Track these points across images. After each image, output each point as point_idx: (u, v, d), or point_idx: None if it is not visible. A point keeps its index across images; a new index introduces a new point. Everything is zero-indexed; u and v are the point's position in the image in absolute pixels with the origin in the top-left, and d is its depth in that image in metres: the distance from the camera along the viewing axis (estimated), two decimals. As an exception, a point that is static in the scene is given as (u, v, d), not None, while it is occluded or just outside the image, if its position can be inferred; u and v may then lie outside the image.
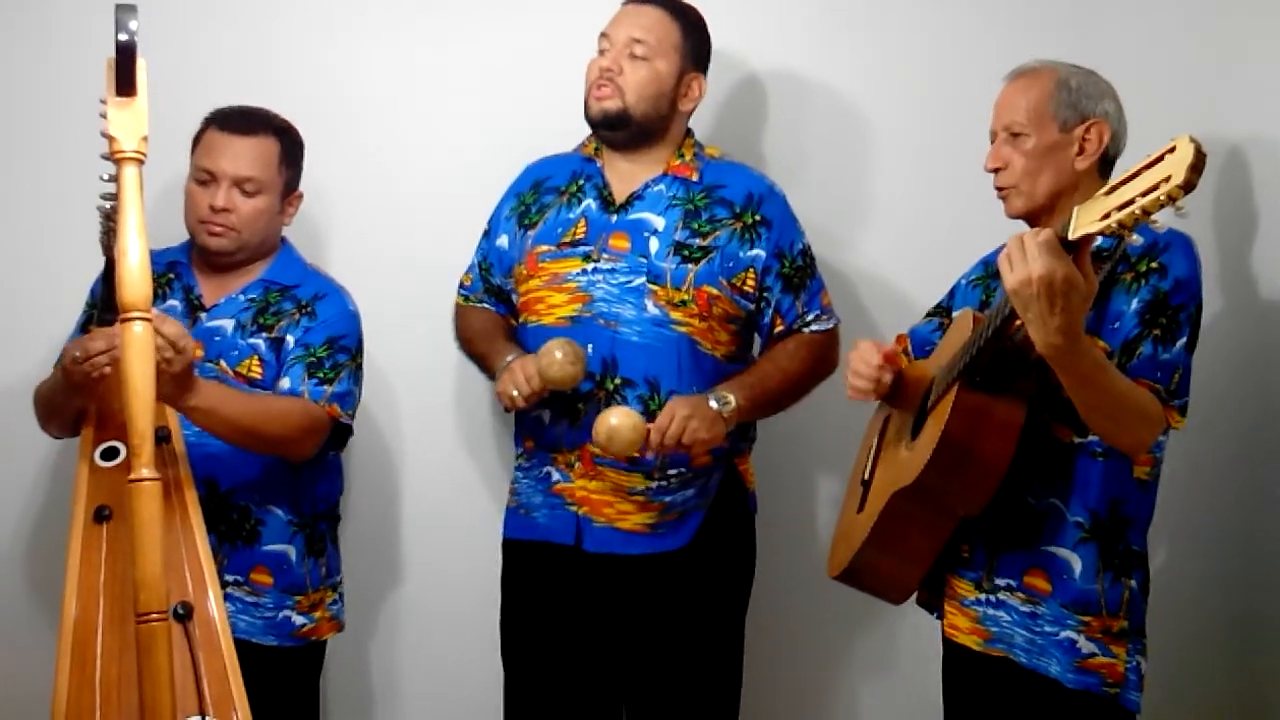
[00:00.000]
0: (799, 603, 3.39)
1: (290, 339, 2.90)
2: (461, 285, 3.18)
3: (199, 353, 2.76)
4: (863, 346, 2.64)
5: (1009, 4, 3.38)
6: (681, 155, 3.02)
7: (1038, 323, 2.10)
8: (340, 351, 2.91)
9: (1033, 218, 2.50)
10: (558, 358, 2.80)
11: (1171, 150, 1.89)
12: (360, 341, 2.97)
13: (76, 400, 2.73)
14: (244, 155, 2.87)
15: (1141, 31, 3.27)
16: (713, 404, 2.87)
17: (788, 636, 3.41)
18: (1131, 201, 1.92)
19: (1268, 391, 2.94)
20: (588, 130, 3.06)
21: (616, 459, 2.85)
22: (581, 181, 3.04)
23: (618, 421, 2.77)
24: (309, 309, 2.93)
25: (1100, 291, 2.30)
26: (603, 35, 2.99)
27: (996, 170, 2.52)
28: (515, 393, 2.85)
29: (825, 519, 3.39)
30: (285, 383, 2.86)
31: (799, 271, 3.02)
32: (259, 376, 2.87)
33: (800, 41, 3.41)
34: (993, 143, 2.55)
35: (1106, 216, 1.95)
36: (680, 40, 2.98)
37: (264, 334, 2.90)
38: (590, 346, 2.90)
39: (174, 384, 2.56)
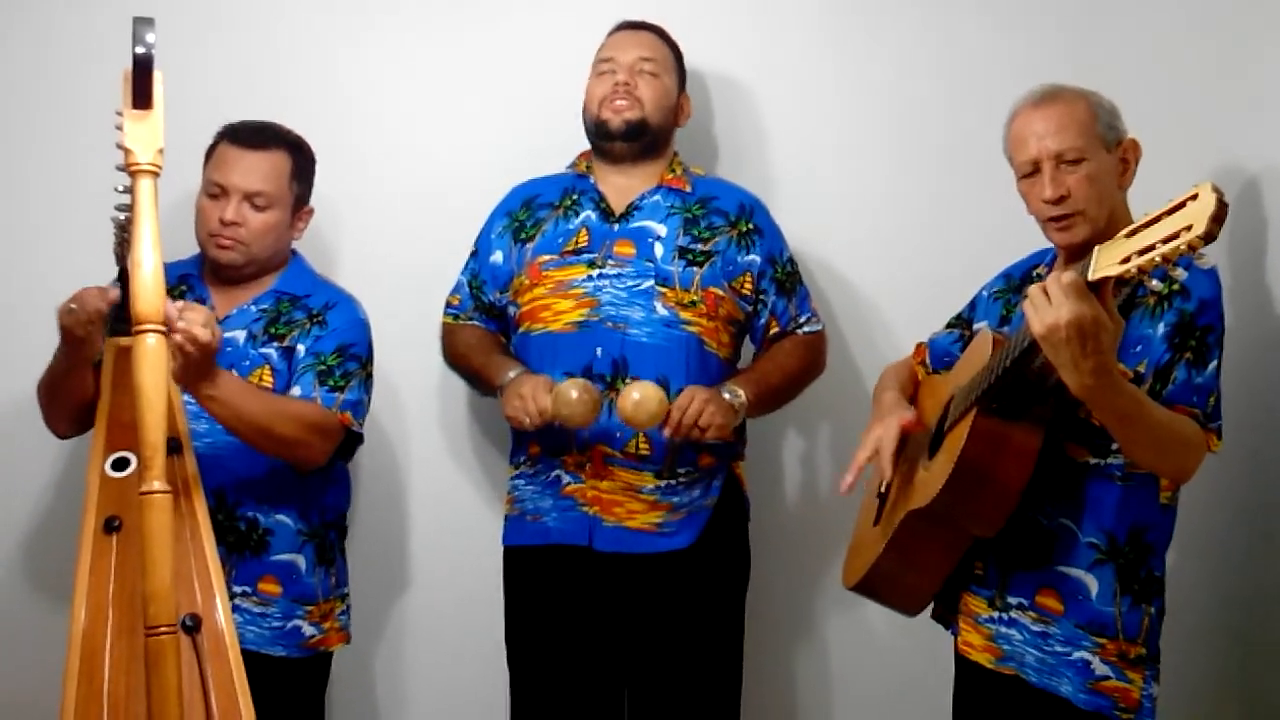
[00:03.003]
0: (784, 600, 3.45)
1: (301, 348, 2.89)
2: (449, 305, 3.21)
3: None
4: (878, 432, 2.62)
5: (1022, 29, 3.39)
6: (673, 170, 3.15)
7: (1070, 366, 2.09)
8: (351, 360, 2.90)
9: (1088, 246, 2.43)
10: (573, 398, 2.84)
11: (1194, 197, 1.88)
12: (370, 350, 2.96)
13: (76, 362, 2.72)
14: (255, 170, 2.86)
15: (1157, 56, 3.28)
16: (725, 396, 2.98)
17: (774, 633, 3.45)
18: (1152, 247, 1.91)
19: (1276, 411, 2.94)
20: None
21: (638, 428, 2.91)
22: (576, 195, 3.13)
23: (642, 394, 2.85)
24: (320, 318, 2.92)
25: (1120, 315, 2.31)
26: (604, 59, 3.12)
27: (1060, 199, 2.43)
28: (526, 420, 2.91)
29: (808, 522, 3.47)
30: (296, 390, 2.85)
31: (789, 277, 3.17)
32: (270, 386, 2.86)
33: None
34: (1029, 173, 2.48)
35: (1127, 260, 1.96)
36: (675, 62, 3.19)
37: (275, 343, 2.89)
38: (600, 349, 2.98)
39: (195, 371, 2.55)
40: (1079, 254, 2.45)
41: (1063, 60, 3.14)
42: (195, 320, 2.49)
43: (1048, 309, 2.07)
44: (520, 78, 3.39)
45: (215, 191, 2.87)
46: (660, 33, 3.17)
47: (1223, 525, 3.07)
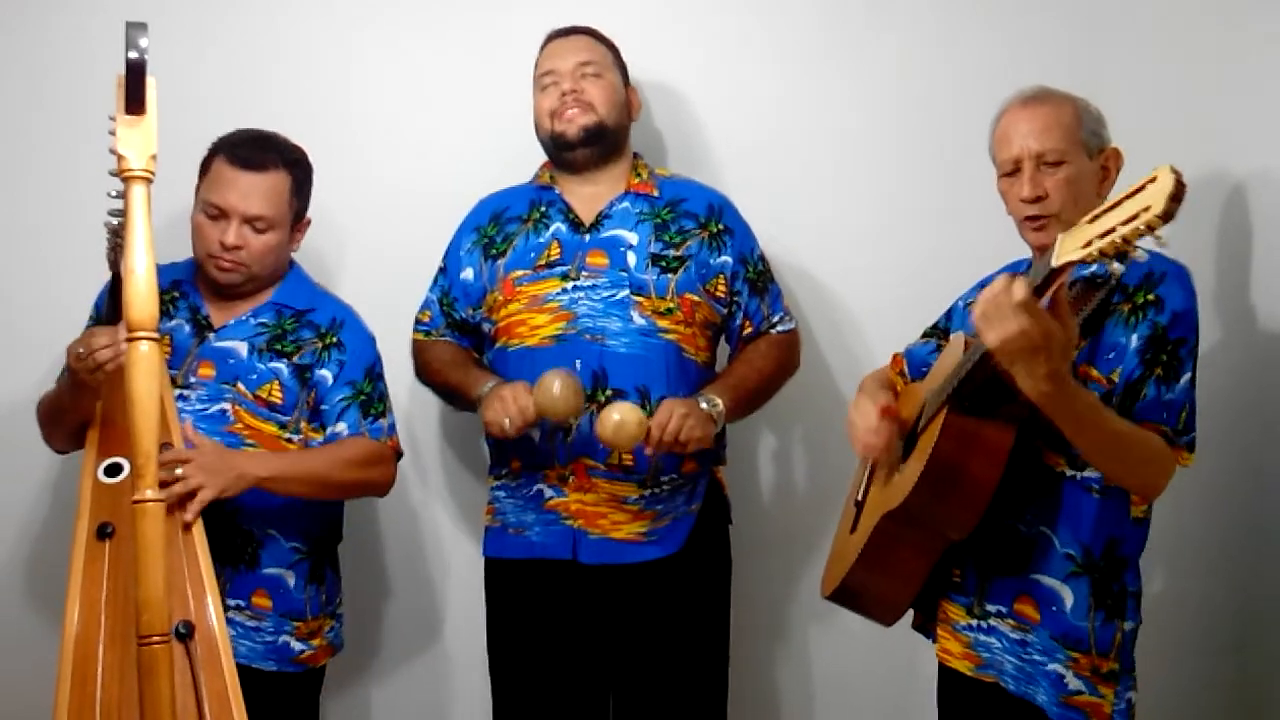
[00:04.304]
0: (766, 603, 3.44)
1: (328, 374, 2.86)
2: (419, 322, 3.16)
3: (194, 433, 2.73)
4: (863, 406, 2.60)
5: (1016, 36, 3.39)
6: (638, 174, 3.09)
7: (1024, 374, 2.10)
8: (379, 380, 2.92)
9: None
10: (556, 391, 2.79)
11: (1153, 180, 1.87)
12: (381, 359, 2.96)
13: (81, 401, 2.68)
14: (254, 192, 2.78)
15: (1149, 60, 3.27)
16: (703, 405, 2.92)
17: (757, 635, 3.43)
18: (1112, 230, 1.89)
19: (1266, 420, 2.89)
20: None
21: (619, 451, 2.87)
22: (544, 208, 3.07)
23: (622, 416, 2.79)
24: (334, 339, 2.89)
25: (1094, 321, 2.32)
26: (545, 73, 3.07)
27: (1037, 199, 2.42)
28: (507, 422, 2.84)
29: (787, 524, 3.46)
30: (342, 427, 2.84)
31: (761, 276, 3.11)
32: (279, 401, 2.82)
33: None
34: (1010, 171, 2.47)
35: (1088, 245, 1.93)
36: (613, 58, 3.11)
37: (284, 359, 2.84)
38: (579, 362, 2.92)
39: (229, 477, 2.63)
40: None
41: (1055, 62, 3.18)
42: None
43: (1000, 322, 2.06)
44: (522, 85, 3.28)
45: (214, 213, 2.79)
46: (593, 33, 3.10)
47: (1214, 532, 3.03)
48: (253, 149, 2.82)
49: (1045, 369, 2.07)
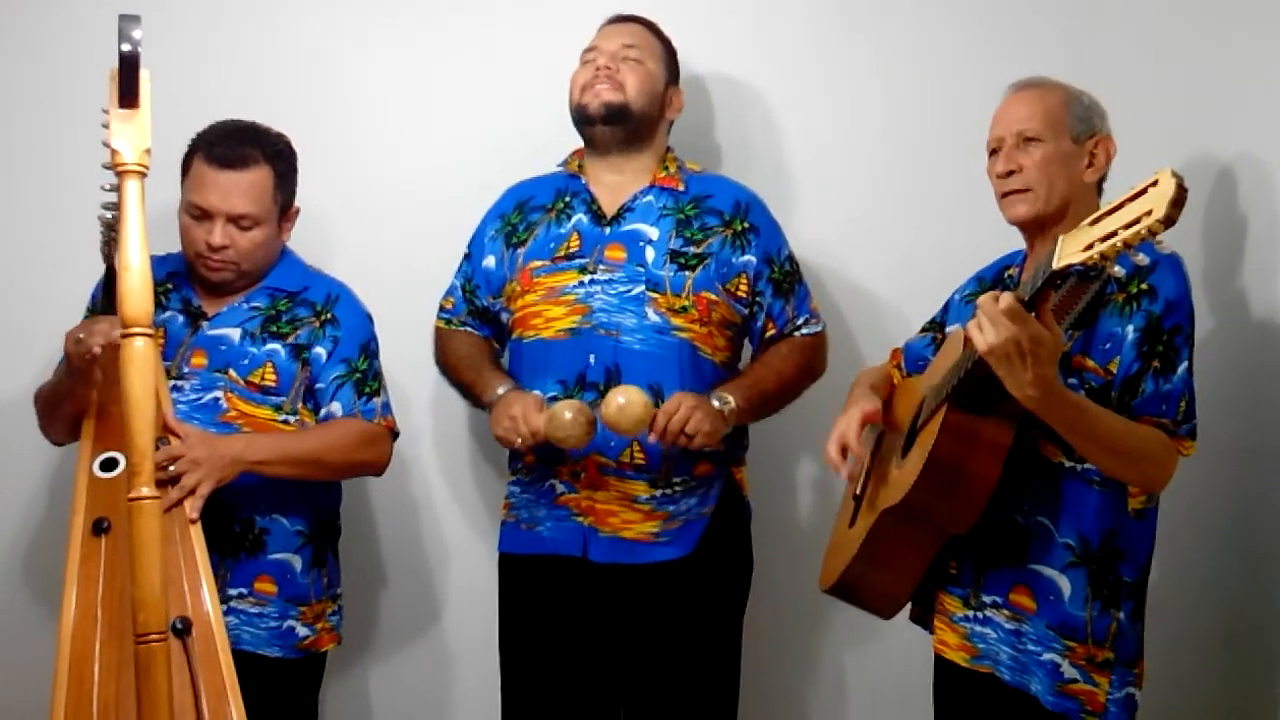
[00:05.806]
0: (790, 607, 3.35)
1: (322, 351, 2.79)
2: (442, 309, 3.08)
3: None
4: (850, 417, 2.57)
5: (1006, 22, 3.33)
6: (666, 168, 2.99)
7: (1012, 379, 2.11)
8: (373, 357, 2.85)
9: (1040, 224, 2.43)
10: (567, 423, 2.71)
11: (1154, 184, 1.86)
12: (377, 339, 2.90)
13: (77, 389, 2.61)
14: (235, 191, 2.69)
15: (1136, 48, 3.22)
16: (715, 403, 2.82)
17: (779, 639, 3.36)
18: (1114, 234, 1.89)
19: (1260, 409, 2.86)
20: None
21: (623, 434, 2.76)
22: (568, 198, 2.98)
23: (627, 399, 2.69)
24: (328, 315, 2.82)
25: (1088, 312, 2.29)
26: (589, 49, 2.99)
27: (1010, 173, 2.43)
28: (518, 441, 2.78)
29: (815, 526, 3.34)
30: (336, 408, 2.78)
31: (787, 276, 2.99)
32: (273, 384, 2.75)
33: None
34: (995, 151, 2.48)
35: (1090, 247, 1.93)
36: (662, 52, 3.02)
37: (279, 341, 2.77)
38: (593, 356, 2.84)
39: (223, 466, 2.58)
40: (1031, 233, 2.48)
41: (1051, 51, 3.12)
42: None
43: (990, 329, 2.09)
44: (525, 79, 3.29)
45: (197, 214, 2.71)
46: (648, 24, 3.02)
47: (1208, 520, 2.99)
48: (231, 145, 2.72)
49: (1032, 374, 2.08)
